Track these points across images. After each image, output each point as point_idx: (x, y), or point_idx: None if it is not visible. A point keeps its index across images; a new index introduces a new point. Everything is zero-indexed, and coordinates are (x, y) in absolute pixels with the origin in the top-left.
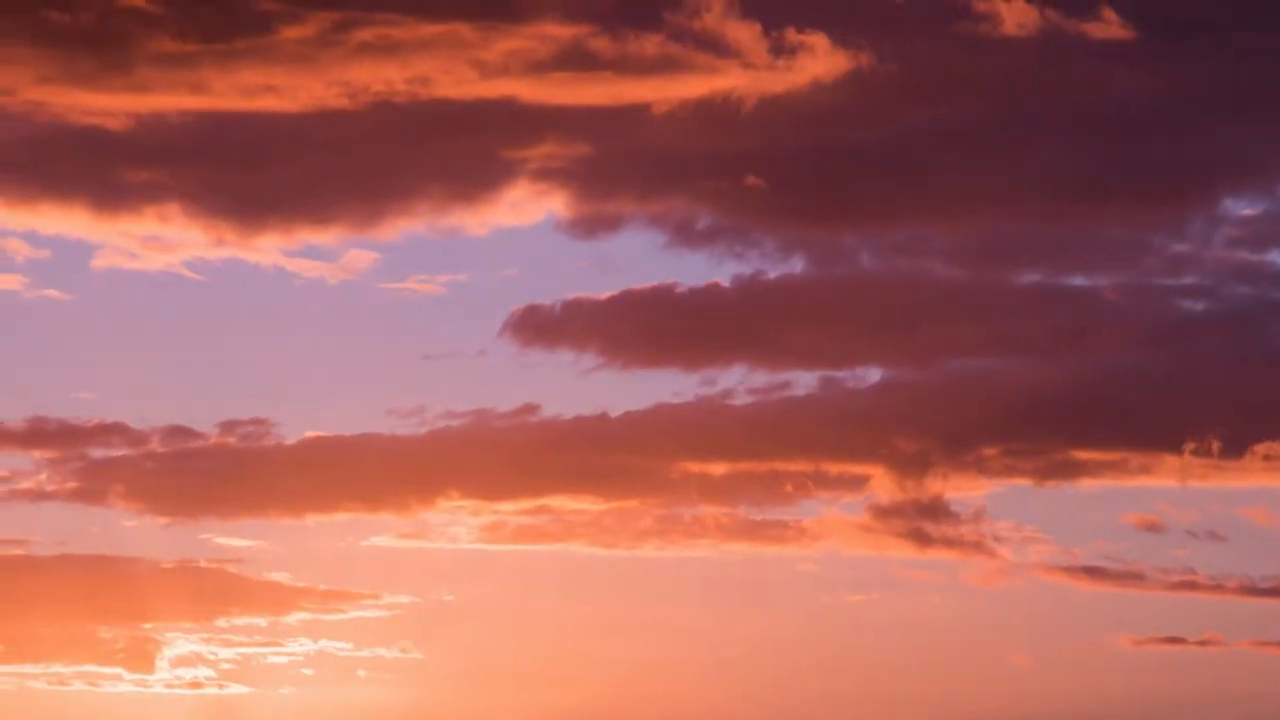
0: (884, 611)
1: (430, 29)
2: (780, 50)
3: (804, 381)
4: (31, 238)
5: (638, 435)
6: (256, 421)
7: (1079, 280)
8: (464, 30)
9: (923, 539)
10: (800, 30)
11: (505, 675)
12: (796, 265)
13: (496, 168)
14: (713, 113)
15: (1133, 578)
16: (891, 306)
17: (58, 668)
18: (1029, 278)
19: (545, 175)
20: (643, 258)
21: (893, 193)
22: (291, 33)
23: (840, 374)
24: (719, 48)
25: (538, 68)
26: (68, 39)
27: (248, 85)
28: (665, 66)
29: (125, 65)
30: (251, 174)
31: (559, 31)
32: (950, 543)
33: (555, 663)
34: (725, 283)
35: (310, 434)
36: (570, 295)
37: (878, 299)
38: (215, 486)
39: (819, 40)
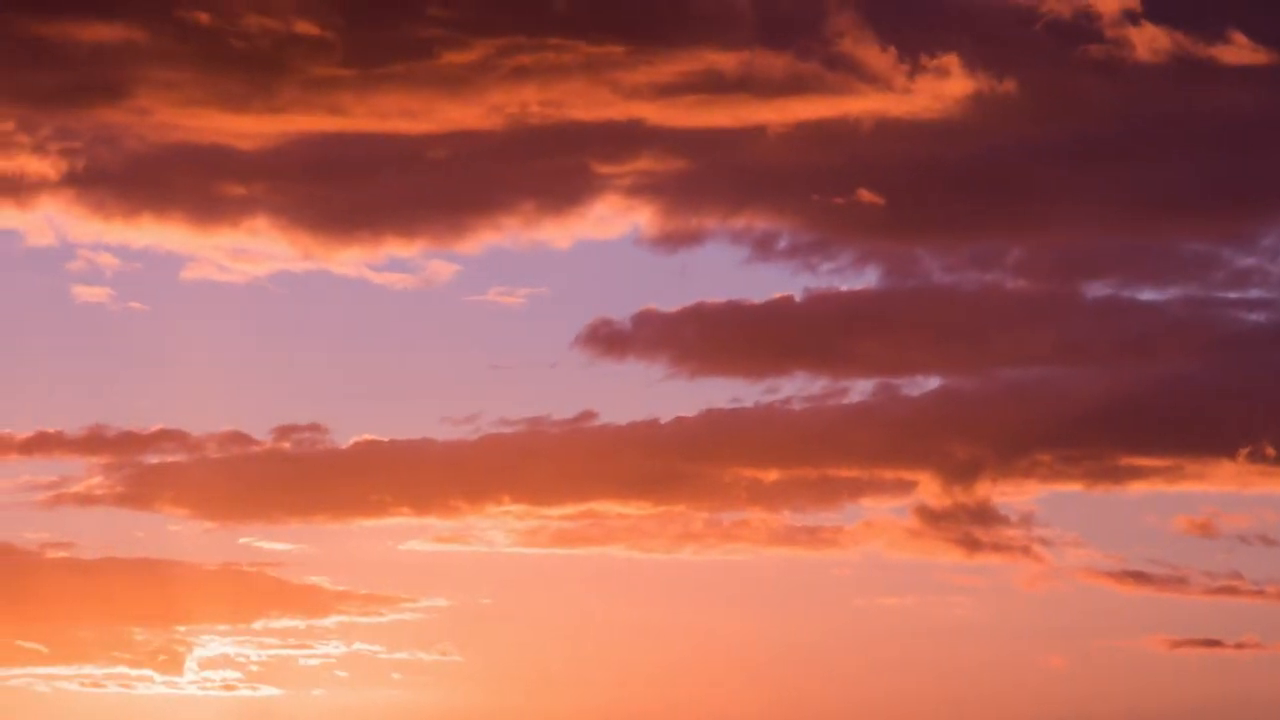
0: (923, 615)
1: (588, 51)
2: (911, 72)
3: (861, 389)
4: (124, 252)
5: (688, 441)
6: (312, 428)
7: (1148, 294)
8: (617, 54)
9: (969, 543)
10: (933, 54)
11: (543, 678)
12: (871, 278)
13: (589, 183)
14: (827, 133)
15: (1176, 582)
16: (958, 318)
17: (90, 669)
18: (1098, 290)
19: (635, 190)
20: (721, 271)
21: (973, 208)
22: (454, 58)
23: (898, 381)
24: (851, 70)
25: (666, 91)
26: (227, 64)
27: (386, 108)
28: (793, 88)
29: (273, 89)
30: (351, 190)
31: (712, 57)
32: (996, 547)
33: (593, 666)
34: (797, 296)
35: (360, 438)
36: (642, 307)
37: (945, 310)
38: (262, 491)
39: (951, 62)
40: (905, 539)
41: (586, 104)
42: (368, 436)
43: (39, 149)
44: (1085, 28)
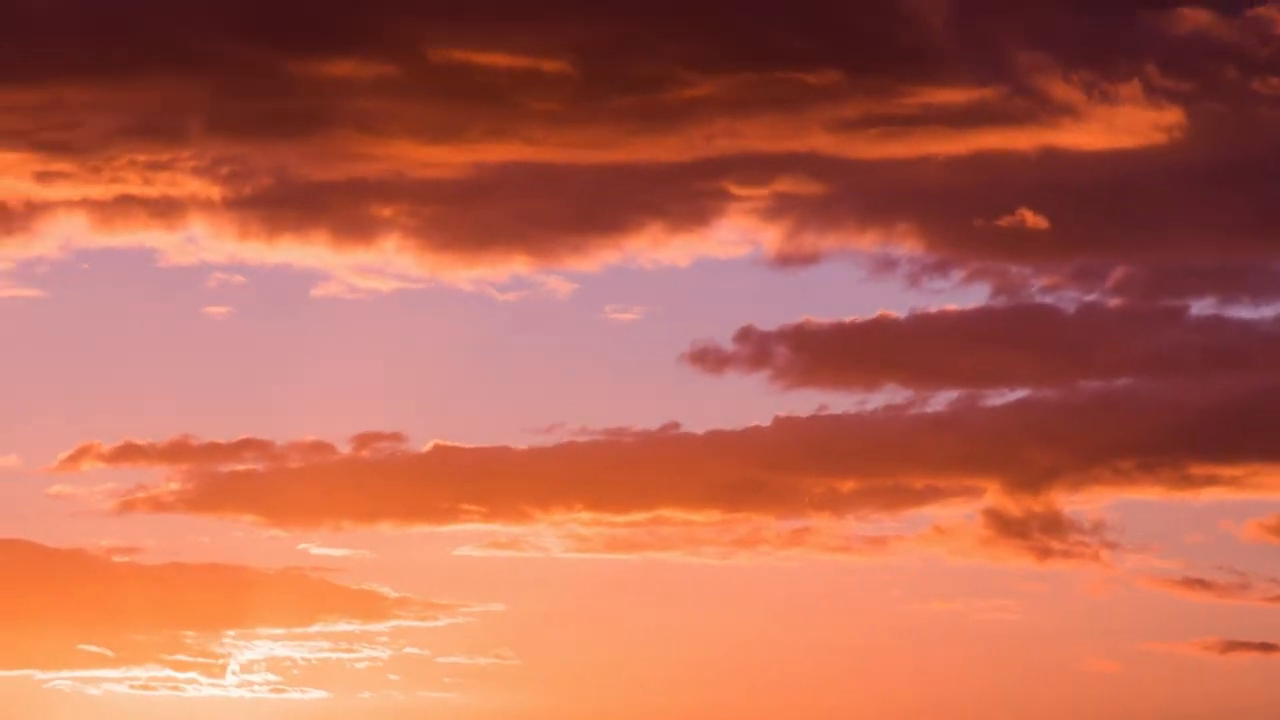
0: (978, 620)
1: (812, 80)
2: (1088, 102)
3: (943, 399)
4: (254, 270)
5: (763, 450)
6: (393, 437)
7: (1243, 310)
8: (839, 85)
9: (1037, 550)
10: (1114, 81)
11: (598, 680)
12: (979, 297)
13: (722, 204)
14: (984, 161)
15: (1238, 588)
16: (1051, 333)
17: (137, 671)
18: (1194, 307)
19: (766, 212)
20: (834, 291)
21: (1086, 230)
22: (684, 93)
23: (982, 393)
24: (1034, 99)
25: (846, 124)
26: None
27: (582, 140)
28: (976, 119)
29: (484, 122)
30: (483, 210)
31: (929, 93)
32: (1063, 553)
33: (648, 670)
34: (900, 314)
35: (436, 444)
36: (743, 324)
37: (1040, 326)
38: (330, 498)
39: (1129, 91)
40: (972, 545)
41: (766, 134)
42: (443, 443)
43: (203, 173)
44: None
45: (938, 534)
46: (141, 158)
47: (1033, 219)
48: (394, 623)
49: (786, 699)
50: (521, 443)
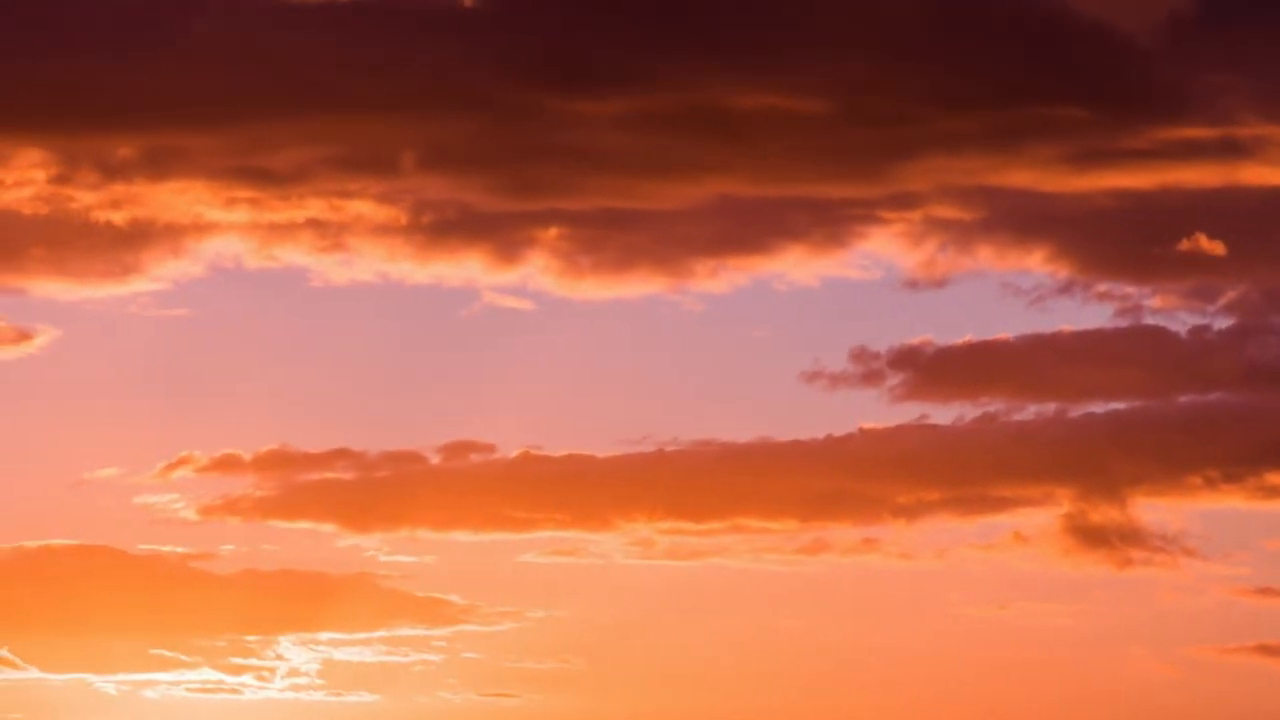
0: (1037, 625)
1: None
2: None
3: (1031, 411)
4: (395, 289)
5: (844, 460)
6: (485, 446)
7: None
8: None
9: (1111, 557)
10: None
11: (660, 687)
12: (1100, 317)
13: (868, 228)
14: (1145, 194)
15: None
16: (1156, 350)
17: (190, 675)
18: None
19: (911, 236)
20: (959, 312)
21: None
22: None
23: (1075, 405)
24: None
25: (1066, 159)
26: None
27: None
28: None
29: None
30: (634, 232)
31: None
32: (1135, 561)
33: (712, 674)
34: (1012, 335)
35: (523, 453)
36: (860, 344)
37: (1146, 344)
38: (407, 505)
39: None
40: (1048, 553)
41: (994, 168)
42: (530, 451)
43: (385, 199)
44: None
45: (1016, 541)
46: (330, 186)
47: (1207, 243)
48: (455, 628)
49: (844, 703)
50: (605, 451)
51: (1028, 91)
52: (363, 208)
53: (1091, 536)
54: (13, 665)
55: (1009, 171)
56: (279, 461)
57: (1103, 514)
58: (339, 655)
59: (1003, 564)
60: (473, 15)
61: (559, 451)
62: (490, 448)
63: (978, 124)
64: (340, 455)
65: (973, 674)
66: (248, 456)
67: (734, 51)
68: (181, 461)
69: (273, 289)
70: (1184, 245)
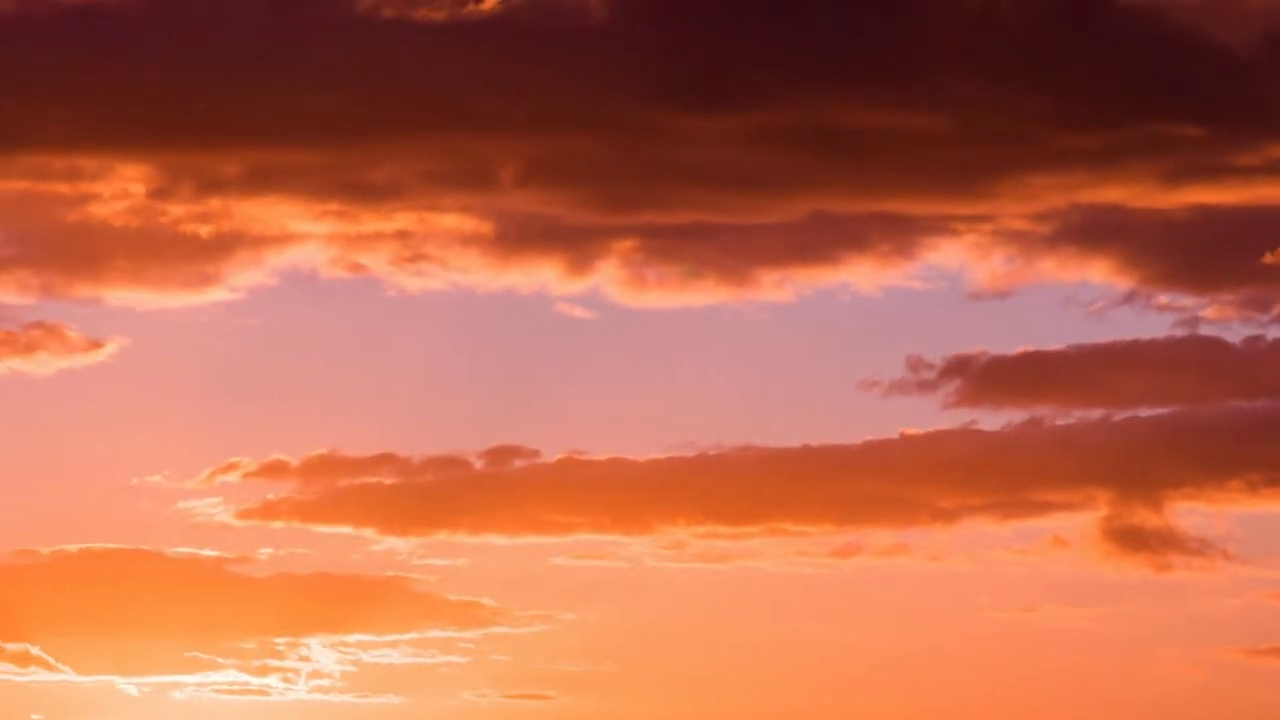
0: (1065, 627)
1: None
2: None
3: (1074, 416)
4: (469, 297)
5: (879, 463)
6: (530, 451)
7: None
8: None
9: (1149, 561)
10: None
11: (690, 689)
12: (1158, 328)
13: (937, 238)
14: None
15: None
16: (1208, 359)
17: (216, 677)
18: None
19: (977, 246)
20: (1019, 322)
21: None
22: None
23: (1119, 410)
24: None
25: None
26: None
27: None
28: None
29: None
30: (710, 243)
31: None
32: (1180, 564)
33: (753, 676)
34: (1064, 346)
35: (562, 457)
36: (916, 353)
37: (1199, 353)
38: (445, 508)
39: None
40: (1085, 556)
41: (1075, 185)
42: (571, 455)
43: (472, 211)
44: None
45: (1054, 544)
46: (422, 200)
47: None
48: (485, 630)
49: (874, 706)
50: (644, 455)
51: (1129, 109)
52: (450, 220)
53: (1131, 539)
54: (47, 666)
55: (1103, 188)
56: (324, 466)
57: (1143, 517)
58: (367, 657)
59: (1037, 567)
60: (591, 35)
61: (601, 456)
62: (535, 453)
63: (1077, 141)
64: (385, 460)
65: (1003, 677)
66: (295, 462)
67: (845, 70)
68: (229, 467)
69: (345, 298)
70: (1268, 259)
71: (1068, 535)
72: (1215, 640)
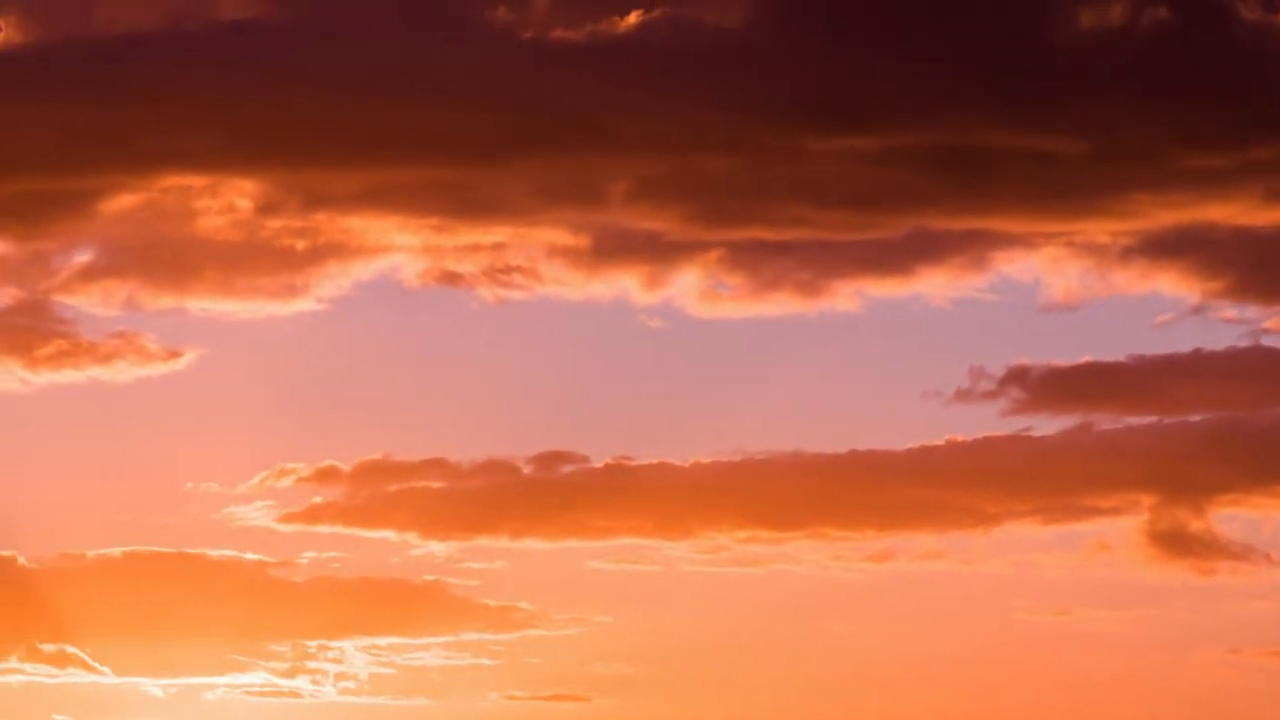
0: (1092, 628)
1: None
2: None
3: (1125, 422)
4: (551, 305)
5: (924, 469)
6: (579, 457)
7: None
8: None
9: (1200, 565)
10: None
11: (719, 692)
12: (1222, 340)
13: (1013, 251)
14: None
15: None
16: (1262, 366)
17: (245, 679)
18: None
19: (1053, 259)
20: (1081, 334)
21: None
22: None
23: (1169, 417)
24: None
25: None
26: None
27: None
28: None
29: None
30: (791, 257)
31: None
32: (1225, 570)
33: (787, 679)
34: (1123, 357)
35: (608, 462)
36: (977, 364)
37: (1254, 363)
38: (489, 513)
39: None
40: (1130, 559)
41: (1172, 203)
42: (617, 460)
43: (572, 226)
44: None
45: (1098, 548)
46: (525, 215)
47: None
48: (519, 633)
49: (909, 709)
50: (687, 459)
51: (1244, 131)
52: (547, 234)
53: (1175, 543)
54: (87, 667)
55: (1205, 207)
56: (375, 471)
57: (1188, 521)
58: (400, 660)
59: (1074, 569)
60: (719, 54)
61: (647, 461)
62: (584, 459)
63: (1198, 161)
64: (435, 465)
65: (1037, 679)
66: (347, 467)
67: (970, 92)
68: (282, 472)
69: (425, 309)
70: None
71: (1110, 539)
72: (1253, 643)
